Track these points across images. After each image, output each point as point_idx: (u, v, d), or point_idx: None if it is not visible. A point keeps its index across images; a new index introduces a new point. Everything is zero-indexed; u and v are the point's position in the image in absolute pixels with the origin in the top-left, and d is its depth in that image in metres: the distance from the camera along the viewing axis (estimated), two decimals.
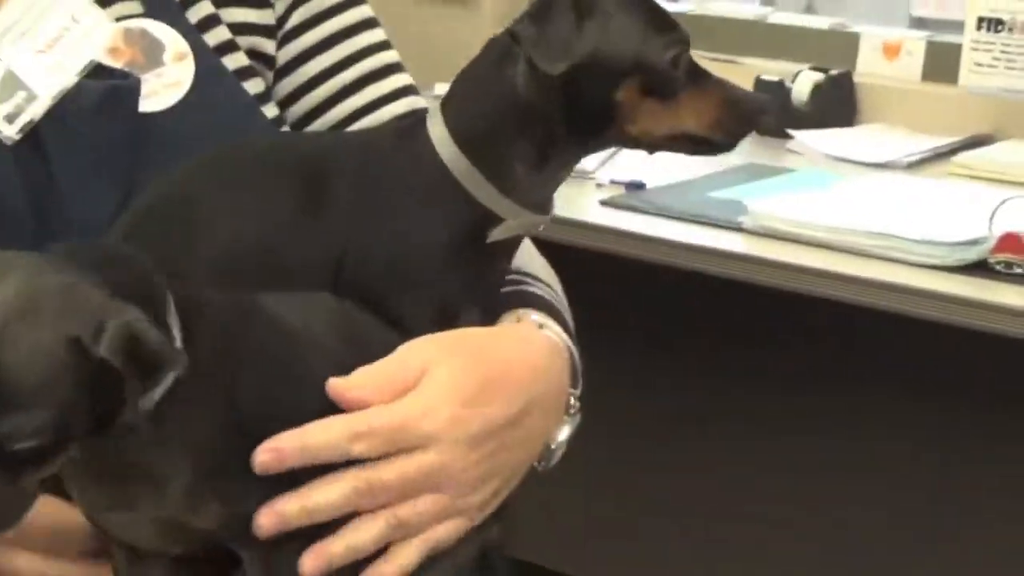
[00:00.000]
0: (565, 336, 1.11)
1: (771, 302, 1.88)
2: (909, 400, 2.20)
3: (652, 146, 1.12)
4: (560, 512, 2.53)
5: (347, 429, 0.96)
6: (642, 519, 2.47)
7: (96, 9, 1.08)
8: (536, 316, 1.11)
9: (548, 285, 1.21)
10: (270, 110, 1.17)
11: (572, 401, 1.10)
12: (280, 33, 1.18)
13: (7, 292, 0.80)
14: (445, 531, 0.99)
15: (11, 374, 0.78)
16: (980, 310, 1.65)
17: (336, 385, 0.97)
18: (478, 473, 1.00)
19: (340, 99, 1.19)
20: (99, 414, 0.82)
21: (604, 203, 1.95)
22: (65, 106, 1.04)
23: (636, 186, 2.01)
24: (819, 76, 2.44)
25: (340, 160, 1.10)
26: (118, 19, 1.11)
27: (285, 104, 1.19)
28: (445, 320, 1.09)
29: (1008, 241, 1.71)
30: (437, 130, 1.09)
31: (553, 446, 1.09)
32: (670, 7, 2.83)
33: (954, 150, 2.27)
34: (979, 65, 2.42)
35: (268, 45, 1.18)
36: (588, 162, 2.06)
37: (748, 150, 2.36)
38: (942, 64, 2.48)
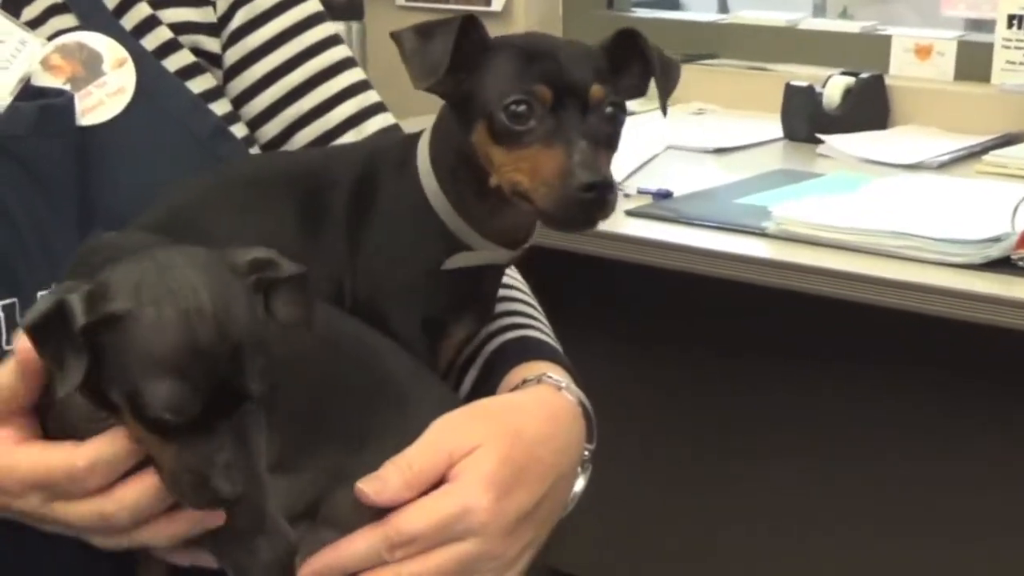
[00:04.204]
0: (580, 394, 1.08)
1: (799, 306, 1.86)
2: (938, 403, 2.17)
3: (516, 201, 1.01)
4: (584, 518, 2.52)
5: (384, 540, 0.94)
6: (665, 526, 2.44)
7: (20, 29, 1.05)
8: (554, 376, 1.07)
9: (529, 299, 1.19)
10: (221, 106, 1.14)
11: (587, 455, 1.08)
12: (225, 33, 1.15)
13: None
14: None
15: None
16: (1003, 307, 1.63)
17: (366, 490, 0.94)
18: (515, 552, 0.98)
19: (291, 100, 1.17)
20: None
21: (629, 213, 1.90)
22: (0, 129, 1.01)
23: (663, 195, 1.97)
24: (850, 80, 2.39)
25: (339, 175, 1.08)
26: (54, 34, 1.08)
27: (238, 104, 1.16)
28: (436, 331, 1.08)
29: None
30: (422, 156, 1.07)
31: (570, 499, 1.07)
32: (700, 17, 2.83)
33: (986, 149, 2.20)
34: (1011, 63, 2.38)
35: (211, 43, 1.15)
36: (616, 173, 2.05)
37: (779, 155, 2.34)
38: (974, 63, 2.43)
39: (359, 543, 0.94)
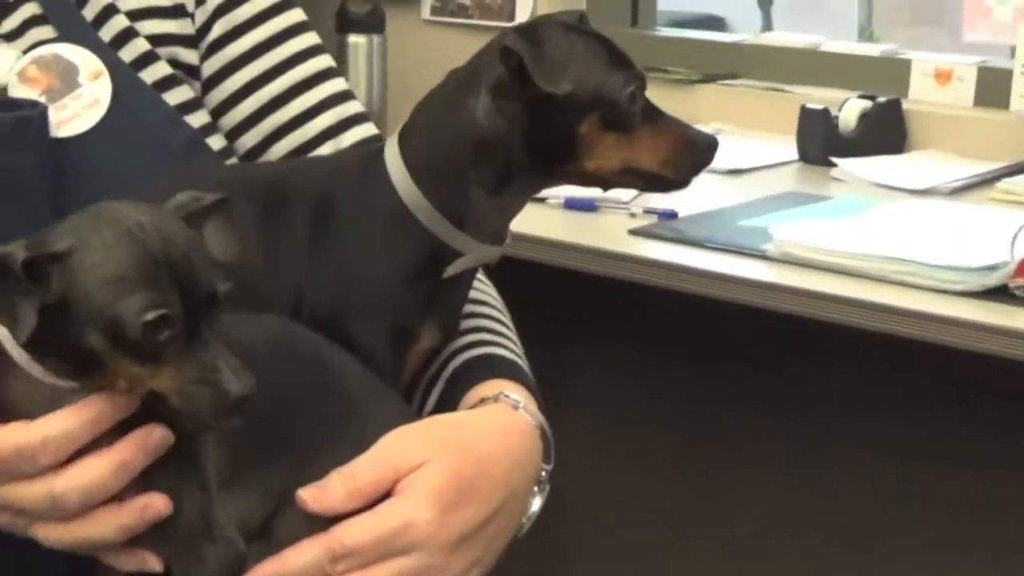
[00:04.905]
0: (539, 415, 1.08)
1: (798, 328, 1.86)
2: (936, 426, 2.16)
3: (605, 181, 1.11)
4: (607, 539, 2.52)
5: (326, 551, 0.94)
6: (668, 545, 2.45)
7: None
8: (512, 395, 1.07)
9: (500, 316, 1.19)
10: (199, 118, 1.15)
11: (543, 476, 1.08)
12: (203, 44, 1.16)
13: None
14: None
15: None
16: (996, 335, 1.61)
17: (306, 497, 0.95)
18: (460, 568, 0.98)
19: (269, 111, 1.18)
20: None
21: (632, 232, 1.91)
22: None
23: (668, 215, 1.97)
24: (866, 104, 2.39)
25: (301, 187, 1.09)
26: (32, 46, 1.10)
27: (217, 115, 1.17)
28: (403, 342, 1.10)
29: None
30: (394, 162, 1.08)
31: (524, 520, 1.07)
32: (721, 37, 2.83)
33: (999, 176, 2.18)
34: None
35: (189, 55, 1.16)
36: (623, 193, 2.06)
37: (791, 178, 2.34)
38: (994, 90, 2.42)
39: (302, 554, 0.95)
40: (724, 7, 4.31)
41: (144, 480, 0.93)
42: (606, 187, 1.12)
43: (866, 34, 4.08)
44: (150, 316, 0.85)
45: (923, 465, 2.18)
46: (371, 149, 1.12)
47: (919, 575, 2.21)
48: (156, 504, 0.91)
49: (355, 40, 2.56)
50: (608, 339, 2.44)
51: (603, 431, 2.48)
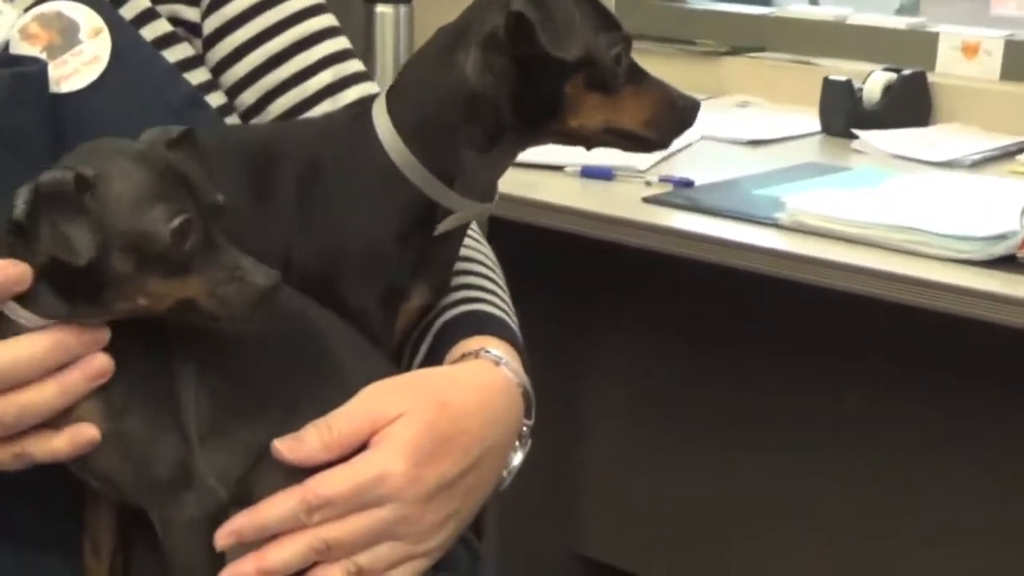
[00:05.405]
0: (521, 371, 1.09)
1: (809, 298, 1.86)
2: (941, 399, 2.17)
3: (588, 140, 1.11)
4: (627, 512, 2.54)
5: (301, 503, 0.96)
6: (685, 513, 2.45)
7: None
8: (494, 351, 1.08)
9: (491, 274, 1.19)
10: (199, 76, 1.17)
11: (524, 431, 1.08)
12: (204, 1, 1.17)
13: None
14: (405, 574, 0.99)
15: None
16: (1004, 304, 1.61)
17: (281, 448, 0.96)
18: (435, 520, 0.99)
19: (268, 68, 1.19)
20: None
21: (646, 200, 1.91)
22: None
23: (684, 184, 1.98)
24: (891, 76, 2.39)
25: (289, 148, 1.10)
26: (35, 2, 1.11)
27: (217, 72, 1.18)
28: (393, 301, 1.10)
29: None
30: (381, 120, 1.09)
31: (505, 473, 1.08)
32: (749, 9, 2.82)
33: (1021, 149, 2.19)
34: None
35: (190, 12, 1.17)
36: (640, 161, 2.07)
37: (813, 149, 2.34)
38: (1021, 63, 2.41)
39: (277, 505, 0.97)
40: None
41: (122, 427, 0.95)
42: (589, 146, 1.13)
43: (904, 8, 4.05)
44: (176, 223, 0.91)
45: (929, 439, 2.18)
46: (361, 109, 1.13)
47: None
48: (86, 433, 0.94)
49: (382, 10, 2.59)
50: (619, 307, 2.46)
51: (613, 396, 2.49)
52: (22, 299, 0.93)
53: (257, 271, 0.93)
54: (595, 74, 1.09)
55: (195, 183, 0.94)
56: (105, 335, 0.94)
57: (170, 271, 0.92)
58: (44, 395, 0.93)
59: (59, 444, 0.95)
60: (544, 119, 1.10)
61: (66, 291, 0.93)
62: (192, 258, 0.92)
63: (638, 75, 1.11)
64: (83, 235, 0.89)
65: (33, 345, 0.93)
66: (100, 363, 0.94)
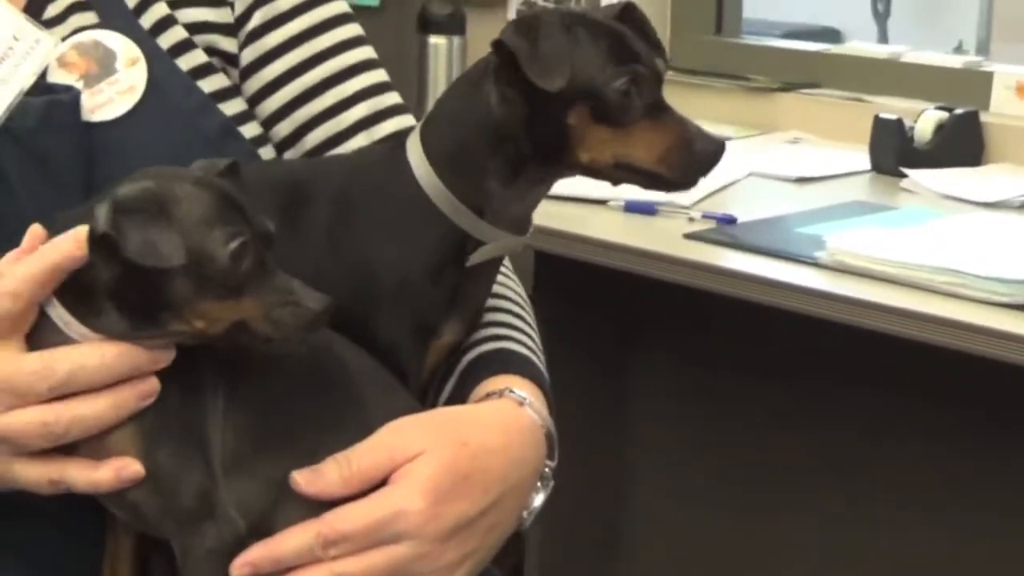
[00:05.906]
0: (545, 412, 1.09)
1: (849, 337, 1.85)
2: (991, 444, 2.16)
3: (602, 175, 1.09)
4: (670, 549, 2.53)
5: (317, 536, 0.96)
6: (716, 548, 2.46)
7: (35, 28, 1.10)
8: (518, 391, 1.08)
9: (520, 311, 1.20)
10: (234, 106, 1.17)
11: (547, 472, 1.08)
12: (242, 33, 1.18)
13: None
14: None
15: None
16: None
17: (301, 480, 0.97)
18: (453, 559, 0.99)
19: (304, 100, 1.19)
20: None
21: (688, 236, 1.92)
22: (13, 123, 1.06)
23: (726, 220, 1.98)
24: (943, 115, 2.38)
25: (321, 184, 1.11)
26: (74, 31, 1.13)
27: (253, 103, 1.19)
28: (424, 336, 1.10)
29: None
30: (415, 153, 1.10)
31: (526, 514, 1.07)
32: (804, 46, 2.82)
33: None
34: None
35: (227, 43, 1.18)
36: (683, 198, 2.06)
37: (861, 187, 2.33)
38: None
39: (294, 538, 0.97)
40: (841, 20, 4.27)
41: (150, 457, 0.97)
42: (608, 181, 1.11)
43: (970, 48, 4.03)
44: (234, 245, 0.94)
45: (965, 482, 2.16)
46: (396, 142, 1.14)
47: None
48: (131, 467, 0.95)
49: (436, 41, 2.61)
50: (663, 342, 2.45)
51: (644, 428, 2.49)
52: (82, 314, 0.95)
53: (309, 295, 0.95)
54: (600, 107, 1.07)
55: (248, 210, 0.96)
56: (171, 355, 0.96)
57: (226, 293, 0.94)
58: (96, 408, 0.95)
59: (103, 477, 0.96)
60: (557, 151, 1.09)
61: (124, 311, 0.95)
62: (247, 281, 0.94)
63: (657, 111, 1.08)
64: (171, 241, 0.92)
65: (101, 354, 0.94)
66: (152, 383, 0.96)
